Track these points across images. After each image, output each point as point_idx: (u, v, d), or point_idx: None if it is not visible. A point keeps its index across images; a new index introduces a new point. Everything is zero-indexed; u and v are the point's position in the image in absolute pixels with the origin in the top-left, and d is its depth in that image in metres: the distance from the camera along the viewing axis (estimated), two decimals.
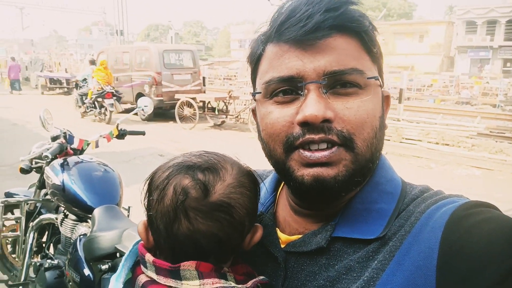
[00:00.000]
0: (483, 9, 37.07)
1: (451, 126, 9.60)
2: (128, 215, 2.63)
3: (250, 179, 0.68)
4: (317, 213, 0.68)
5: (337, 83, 0.60)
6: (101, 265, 1.90)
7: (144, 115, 12.13)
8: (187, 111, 11.33)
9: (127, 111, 13.82)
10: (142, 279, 0.66)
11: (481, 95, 20.09)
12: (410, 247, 0.57)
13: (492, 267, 0.48)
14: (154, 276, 0.64)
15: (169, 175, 0.64)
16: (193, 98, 11.29)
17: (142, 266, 0.67)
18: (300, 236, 0.68)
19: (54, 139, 2.60)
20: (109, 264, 1.89)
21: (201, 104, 11.72)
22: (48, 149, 2.44)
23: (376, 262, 0.59)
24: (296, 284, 0.64)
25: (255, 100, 0.69)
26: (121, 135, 2.88)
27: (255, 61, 0.69)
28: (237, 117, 11.52)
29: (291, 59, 0.61)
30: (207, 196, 0.62)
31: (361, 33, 0.62)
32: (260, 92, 0.66)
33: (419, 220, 0.59)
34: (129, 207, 2.71)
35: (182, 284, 0.61)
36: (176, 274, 0.62)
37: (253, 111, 0.74)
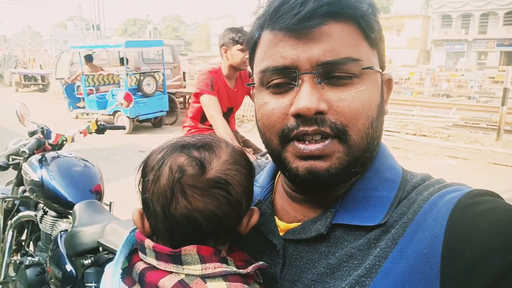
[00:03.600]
0: (458, 3, 37.85)
1: (428, 117, 9.84)
2: (110, 211, 2.60)
3: (244, 158, 0.68)
4: (315, 200, 0.68)
5: (331, 73, 0.59)
6: (84, 260, 1.89)
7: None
8: None
9: None
10: (140, 266, 0.64)
11: (456, 87, 20.58)
12: (414, 235, 0.56)
13: (498, 258, 0.48)
14: (154, 262, 0.62)
15: (163, 155, 0.64)
16: (174, 93, 11.20)
17: (140, 253, 0.65)
18: (299, 223, 0.67)
19: (31, 134, 2.54)
20: (92, 258, 1.88)
21: (181, 99, 11.64)
22: (25, 145, 2.39)
23: (378, 249, 0.58)
24: (295, 271, 0.63)
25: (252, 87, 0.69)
26: (101, 129, 2.83)
27: (251, 47, 0.68)
28: None
29: (285, 48, 0.60)
30: (204, 173, 0.61)
31: (358, 19, 0.60)
32: (254, 84, 0.66)
33: (423, 208, 0.58)
34: (110, 203, 2.69)
35: (183, 269, 0.60)
36: (177, 259, 0.61)
37: (252, 97, 0.73)
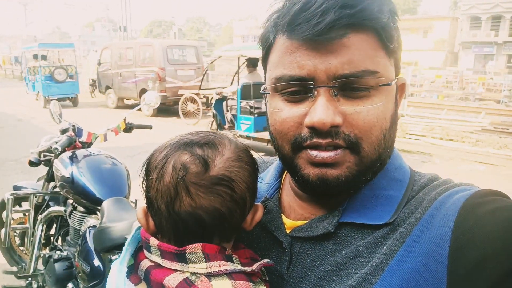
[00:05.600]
0: (488, 4, 36.66)
1: (455, 121, 9.59)
2: (135, 208, 2.65)
3: (248, 155, 0.68)
4: (323, 198, 0.68)
5: (348, 86, 0.58)
6: (111, 256, 1.93)
7: (148, 110, 12.18)
8: (190, 106, 11.35)
9: (131, 107, 13.87)
10: (145, 264, 0.64)
11: (485, 91, 20.00)
12: (421, 234, 0.56)
13: (504, 257, 0.48)
14: (159, 260, 0.62)
15: (167, 154, 0.63)
16: (197, 94, 11.30)
17: (145, 251, 0.65)
18: (306, 221, 0.67)
19: (63, 132, 2.62)
20: (119, 254, 1.91)
21: (204, 100, 11.74)
22: (57, 142, 2.45)
23: (385, 247, 0.58)
24: (302, 269, 0.63)
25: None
26: (128, 128, 2.89)
27: (266, 48, 0.66)
28: None
29: (303, 57, 0.58)
30: (207, 170, 0.61)
31: (378, 30, 0.58)
32: (269, 92, 0.65)
33: (431, 207, 0.59)
34: (136, 200, 2.73)
35: (188, 267, 0.60)
36: (182, 258, 0.61)
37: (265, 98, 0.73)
